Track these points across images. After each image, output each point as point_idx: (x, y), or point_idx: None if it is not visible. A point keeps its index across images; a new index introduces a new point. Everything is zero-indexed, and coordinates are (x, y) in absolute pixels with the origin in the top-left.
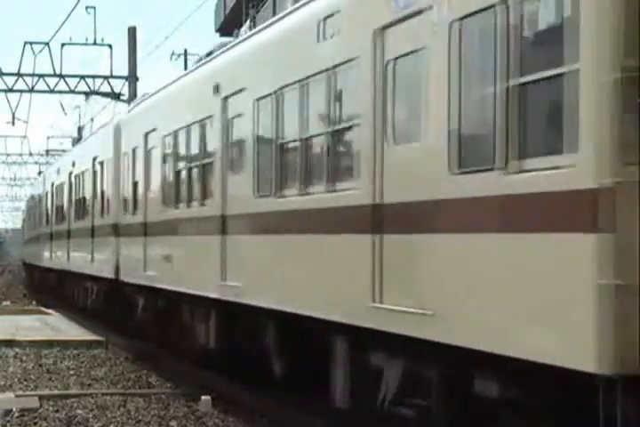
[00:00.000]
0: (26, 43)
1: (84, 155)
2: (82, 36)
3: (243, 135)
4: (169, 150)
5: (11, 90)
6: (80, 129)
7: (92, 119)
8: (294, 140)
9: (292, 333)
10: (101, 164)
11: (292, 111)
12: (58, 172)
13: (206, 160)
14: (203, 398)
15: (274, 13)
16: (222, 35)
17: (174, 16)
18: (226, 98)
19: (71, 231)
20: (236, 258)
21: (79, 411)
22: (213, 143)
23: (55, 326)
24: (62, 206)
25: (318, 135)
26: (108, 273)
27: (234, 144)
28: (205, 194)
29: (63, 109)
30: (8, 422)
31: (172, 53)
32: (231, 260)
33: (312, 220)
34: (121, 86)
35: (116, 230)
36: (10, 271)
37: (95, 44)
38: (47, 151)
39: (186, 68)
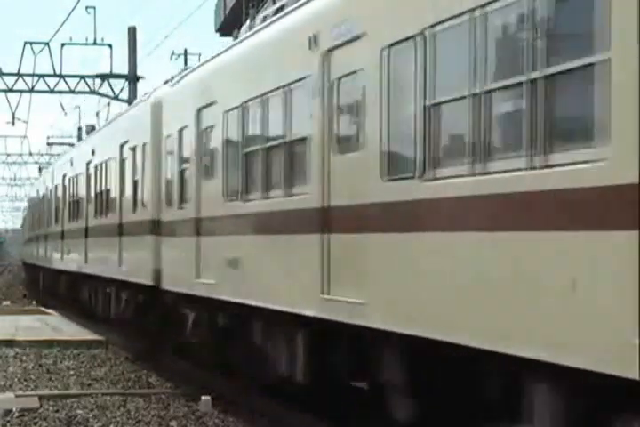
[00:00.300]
0: (26, 43)
1: (109, 141)
2: (82, 36)
3: (359, 98)
4: (234, 128)
5: (11, 90)
6: (80, 129)
7: (108, 103)
8: (451, 100)
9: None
10: (133, 150)
11: (455, 60)
12: (71, 162)
13: (296, 136)
14: (203, 398)
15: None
16: (222, 35)
17: (174, 16)
18: (329, 51)
19: (89, 229)
20: (352, 265)
21: (79, 411)
22: (308, 112)
23: (55, 326)
24: (78, 201)
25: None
26: (143, 279)
27: (343, 111)
28: (293, 180)
29: (63, 109)
30: (8, 422)
31: (172, 53)
32: (339, 267)
33: (486, 210)
34: (121, 87)
35: (156, 228)
36: (10, 271)
37: (95, 44)
38: (49, 144)
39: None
